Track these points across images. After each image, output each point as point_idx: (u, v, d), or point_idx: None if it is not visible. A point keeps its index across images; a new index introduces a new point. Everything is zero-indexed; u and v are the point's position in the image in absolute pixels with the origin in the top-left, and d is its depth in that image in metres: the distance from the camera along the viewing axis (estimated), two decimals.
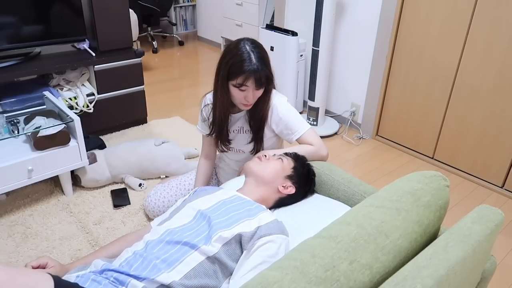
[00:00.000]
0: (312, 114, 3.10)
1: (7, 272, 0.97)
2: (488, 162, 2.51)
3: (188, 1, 5.52)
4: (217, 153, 1.93)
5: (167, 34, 5.48)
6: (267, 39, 3.21)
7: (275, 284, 0.78)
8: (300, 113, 3.40)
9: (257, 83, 1.50)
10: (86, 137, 2.19)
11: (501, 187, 2.50)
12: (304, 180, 1.49)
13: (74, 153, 2.11)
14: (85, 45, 2.67)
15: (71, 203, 2.18)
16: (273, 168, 1.46)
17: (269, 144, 1.74)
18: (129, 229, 2.01)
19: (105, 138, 2.75)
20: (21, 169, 1.96)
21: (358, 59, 2.99)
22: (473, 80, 2.44)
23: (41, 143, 1.99)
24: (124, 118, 2.91)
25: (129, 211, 2.13)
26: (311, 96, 3.05)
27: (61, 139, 2.04)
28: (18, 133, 2.07)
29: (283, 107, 1.65)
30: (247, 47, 1.49)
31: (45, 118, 2.06)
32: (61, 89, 2.58)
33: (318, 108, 3.06)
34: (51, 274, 1.06)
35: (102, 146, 2.50)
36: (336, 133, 3.11)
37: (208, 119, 1.75)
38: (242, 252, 1.21)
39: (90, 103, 2.62)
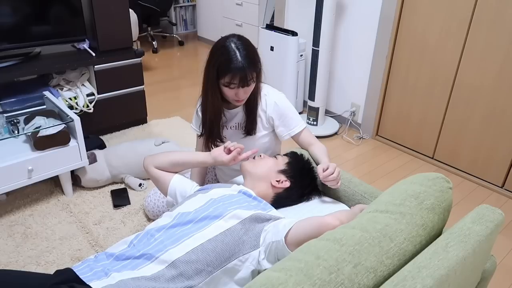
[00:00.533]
0: (312, 114, 3.10)
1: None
2: (488, 162, 2.51)
3: (188, 1, 5.52)
4: None
5: (167, 34, 5.48)
6: (267, 39, 3.21)
7: (280, 286, 0.77)
8: (300, 113, 3.40)
9: (244, 81, 1.50)
10: (86, 137, 2.19)
11: (501, 187, 2.50)
12: (299, 174, 1.49)
13: (74, 153, 2.11)
14: (85, 45, 2.67)
15: (71, 203, 2.18)
16: (265, 164, 1.49)
17: (263, 142, 1.73)
18: (129, 229, 2.01)
19: (105, 138, 2.75)
20: (21, 169, 1.96)
21: (358, 59, 2.99)
22: (473, 80, 2.44)
23: (41, 143, 1.99)
24: (124, 118, 2.91)
25: (129, 211, 2.13)
26: (311, 96, 3.05)
27: (61, 139, 2.04)
28: (18, 133, 2.06)
29: (283, 102, 1.68)
30: (233, 45, 1.49)
31: (45, 118, 2.06)
32: (61, 89, 2.57)
33: (318, 108, 3.06)
34: (62, 273, 1.11)
35: (102, 146, 2.50)
36: (336, 133, 3.11)
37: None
38: (260, 228, 1.22)
39: (90, 103, 2.62)
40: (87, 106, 2.60)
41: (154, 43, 4.86)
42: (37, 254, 1.84)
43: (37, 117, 2.06)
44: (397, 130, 2.95)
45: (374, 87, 2.95)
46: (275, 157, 1.53)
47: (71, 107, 2.50)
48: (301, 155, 1.57)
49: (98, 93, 2.68)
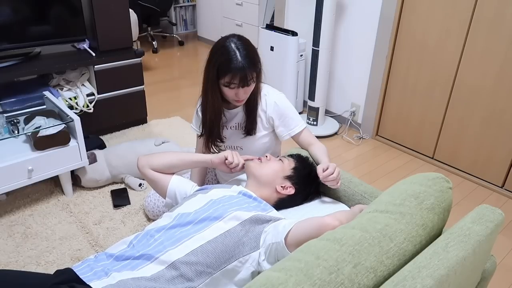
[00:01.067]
0: (312, 114, 3.10)
1: None
2: (488, 162, 2.51)
3: (188, 1, 5.52)
4: None
5: (167, 34, 5.48)
6: (267, 39, 3.21)
7: (280, 286, 0.77)
8: (300, 113, 3.40)
9: (244, 81, 1.49)
10: (86, 137, 2.19)
11: (501, 187, 2.50)
12: (304, 181, 1.48)
13: (74, 153, 2.11)
14: (85, 45, 2.67)
15: (71, 203, 2.18)
16: (271, 168, 1.46)
17: (263, 142, 1.73)
18: (129, 229, 2.01)
19: (105, 138, 2.75)
20: (21, 169, 1.96)
21: (358, 59, 2.99)
22: (473, 80, 2.44)
23: (41, 143, 1.99)
24: (124, 118, 2.91)
25: (129, 211, 2.13)
26: (311, 96, 3.05)
27: (61, 139, 2.04)
28: (18, 133, 2.06)
29: (283, 102, 1.67)
30: (233, 45, 1.49)
31: (45, 118, 2.06)
32: (61, 89, 2.57)
33: (318, 108, 3.06)
34: (62, 273, 1.10)
35: (102, 146, 2.50)
36: (336, 133, 3.11)
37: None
38: (260, 229, 1.22)
39: (90, 103, 2.62)
40: (87, 106, 2.60)
41: (154, 43, 4.86)
42: (37, 254, 1.84)
43: (37, 117, 2.06)
44: (397, 130, 2.95)
45: (374, 87, 2.95)
46: (281, 159, 1.51)
47: (71, 107, 2.50)
48: (307, 158, 1.56)
49: (98, 93, 2.68)
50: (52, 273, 1.18)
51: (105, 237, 1.95)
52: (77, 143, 2.10)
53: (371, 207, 1.02)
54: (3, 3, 2.26)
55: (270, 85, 1.72)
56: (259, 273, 1.19)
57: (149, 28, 5.02)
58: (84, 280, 1.10)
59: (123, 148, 2.36)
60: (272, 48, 3.18)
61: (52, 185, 2.31)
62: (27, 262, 1.80)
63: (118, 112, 2.84)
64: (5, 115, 2.19)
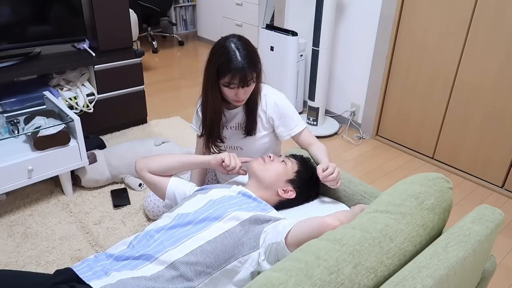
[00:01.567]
0: (312, 114, 3.10)
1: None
2: (488, 162, 2.51)
3: (188, 1, 5.52)
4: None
5: (167, 34, 5.48)
6: (267, 39, 3.21)
7: (280, 286, 0.77)
8: (300, 113, 3.40)
9: (244, 81, 1.49)
10: (86, 137, 2.19)
11: (501, 187, 2.50)
12: (306, 185, 1.48)
13: (74, 153, 2.11)
14: (85, 45, 2.67)
15: (71, 203, 2.18)
16: (275, 171, 1.45)
17: (263, 142, 1.73)
18: (129, 229, 2.01)
19: (105, 138, 2.75)
20: (21, 169, 1.96)
21: (358, 59, 2.99)
22: (473, 80, 2.44)
23: (41, 143, 1.99)
24: (124, 118, 2.91)
25: (129, 211, 2.13)
26: (311, 96, 3.05)
27: (61, 139, 2.04)
28: (18, 133, 2.06)
29: (283, 103, 1.67)
30: (233, 45, 1.49)
31: (45, 118, 2.06)
32: (61, 89, 2.57)
33: (318, 108, 3.06)
34: (61, 273, 1.11)
35: (102, 146, 2.50)
36: (336, 133, 3.11)
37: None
38: (260, 229, 1.22)
39: (90, 103, 2.62)
40: (87, 106, 2.60)
41: (154, 43, 4.86)
42: (37, 254, 1.84)
43: (37, 117, 2.06)
44: (397, 130, 2.95)
45: (374, 87, 2.95)
46: (284, 161, 1.49)
47: (71, 107, 2.50)
48: (309, 160, 1.56)
49: (98, 93, 2.68)
50: (52, 273, 1.18)
51: (105, 237, 1.95)
52: (77, 143, 2.10)
53: (371, 207, 1.02)
54: (3, 3, 2.26)
55: (270, 85, 1.72)
56: (258, 273, 1.19)
57: (149, 28, 5.02)
58: (83, 279, 1.10)
59: (123, 148, 2.36)
60: (272, 48, 3.18)
61: (52, 185, 2.31)
62: (27, 262, 1.80)
63: (118, 112, 2.84)
64: (5, 115, 2.20)
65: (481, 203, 2.37)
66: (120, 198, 2.21)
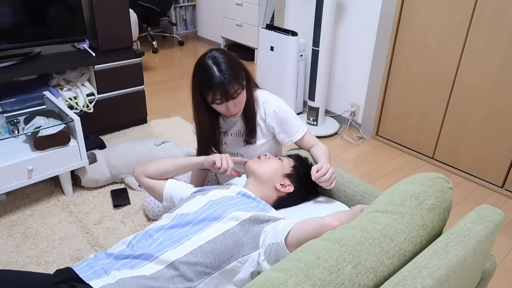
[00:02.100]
0: (312, 114, 3.10)
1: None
2: (488, 162, 2.51)
3: (188, 1, 5.52)
4: None
5: (167, 34, 5.48)
6: (267, 39, 3.21)
7: (280, 286, 0.77)
8: (300, 113, 3.41)
9: (227, 95, 1.47)
10: (86, 137, 2.19)
11: (501, 187, 2.50)
12: (303, 180, 1.48)
13: (74, 153, 2.11)
14: (85, 45, 2.67)
15: (71, 203, 2.18)
16: (271, 165, 1.47)
17: (263, 149, 1.71)
18: (129, 229, 2.01)
19: (105, 138, 2.75)
20: (21, 169, 1.96)
21: (358, 59, 2.99)
22: (473, 80, 2.44)
23: (41, 143, 1.99)
24: (124, 118, 2.91)
25: (129, 211, 2.13)
26: (311, 96, 3.05)
27: (61, 139, 2.04)
28: (18, 133, 2.06)
29: (282, 110, 1.65)
30: (210, 61, 1.46)
31: (45, 118, 2.06)
32: (61, 89, 2.57)
33: (318, 108, 3.06)
34: (62, 272, 1.10)
35: (102, 146, 2.50)
36: (336, 133, 3.11)
37: None
38: (259, 229, 1.22)
39: (90, 103, 2.62)
40: (87, 106, 2.60)
41: (154, 43, 4.86)
42: (37, 254, 1.84)
43: (37, 117, 2.06)
44: (397, 130, 2.95)
45: (374, 87, 2.95)
46: (280, 158, 1.51)
47: (71, 107, 2.50)
48: (306, 158, 1.56)
49: (98, 93, 2.68)
50: (52, 273, 1.18)
51: (105, 237, 1.95)
52: (77, 143, 2.10)
53: (371, 207, 1.02)
54: (3, 3, 2.26)
55: (268, 90, 1.70)
56: (258, 273, 1.19)
57: (149, 28, 5.02)
58: (83, 279, 1.10)
59: (123, 148, 2.36)
60: (272, 48, 3.18)
61: (52, 185, 2.31)
62: (27, 262, 1.80)
63: (118, 112, 2.84)
64: (5, 115, 2.20)
65: (481, 203, 2.37)
66: (120, 198, 2.21)
